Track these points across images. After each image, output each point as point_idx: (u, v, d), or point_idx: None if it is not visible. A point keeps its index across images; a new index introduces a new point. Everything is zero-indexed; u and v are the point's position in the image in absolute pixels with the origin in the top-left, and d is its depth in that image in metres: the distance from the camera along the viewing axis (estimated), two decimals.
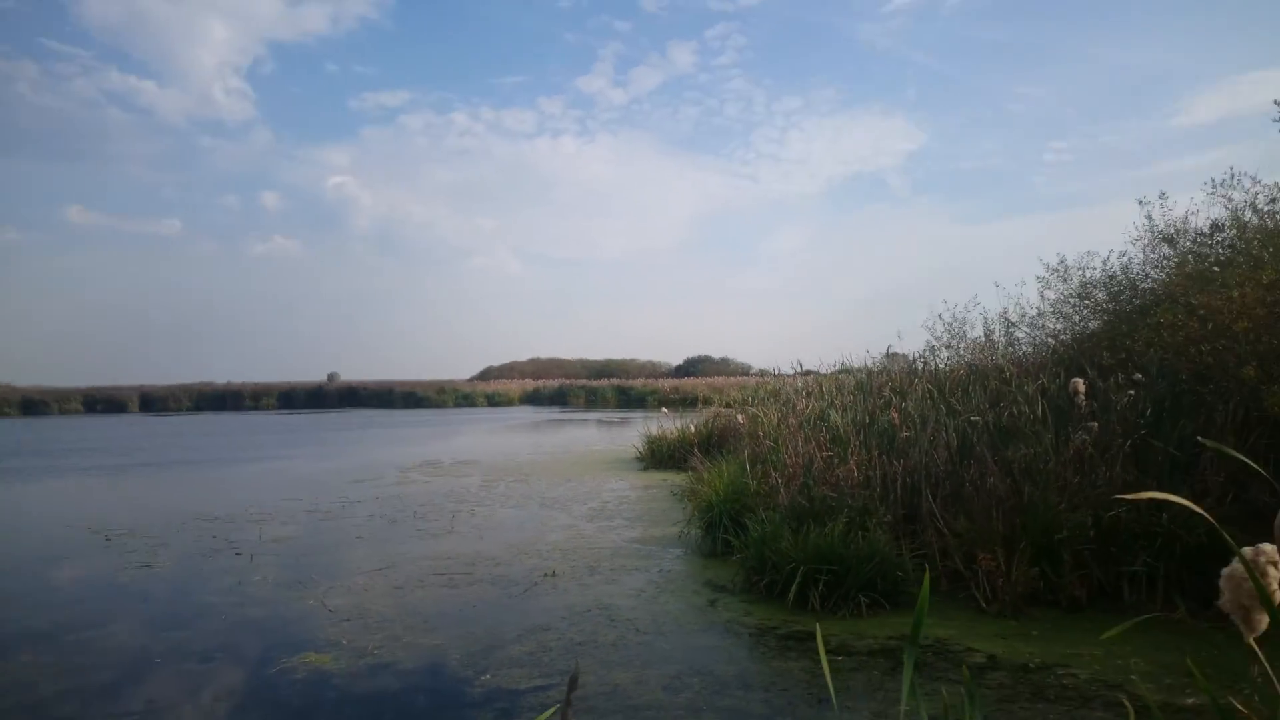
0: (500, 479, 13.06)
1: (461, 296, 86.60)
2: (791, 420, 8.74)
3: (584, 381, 56.47)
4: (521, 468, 14.75)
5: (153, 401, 50.21)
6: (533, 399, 53.28)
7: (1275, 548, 1.28)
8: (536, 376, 63.40)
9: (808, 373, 13.54)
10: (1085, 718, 3.52)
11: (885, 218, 76.04)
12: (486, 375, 69.90)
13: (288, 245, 77.08)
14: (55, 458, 18.78)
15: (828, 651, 4.52)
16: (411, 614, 5.57)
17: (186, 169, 71.92)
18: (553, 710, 3.02)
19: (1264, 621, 1.28)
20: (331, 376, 59.76)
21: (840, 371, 12.77)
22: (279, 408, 51.61)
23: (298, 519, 9.64)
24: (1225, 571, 1.34)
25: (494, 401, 51.69)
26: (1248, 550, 1.36)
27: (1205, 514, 1.39)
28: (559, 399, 52.21)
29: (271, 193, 76.15)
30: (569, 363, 74.02)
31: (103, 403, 48.27)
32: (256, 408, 51.13)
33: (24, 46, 63.34)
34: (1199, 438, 1.38)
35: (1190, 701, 3.52)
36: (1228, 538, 1.30)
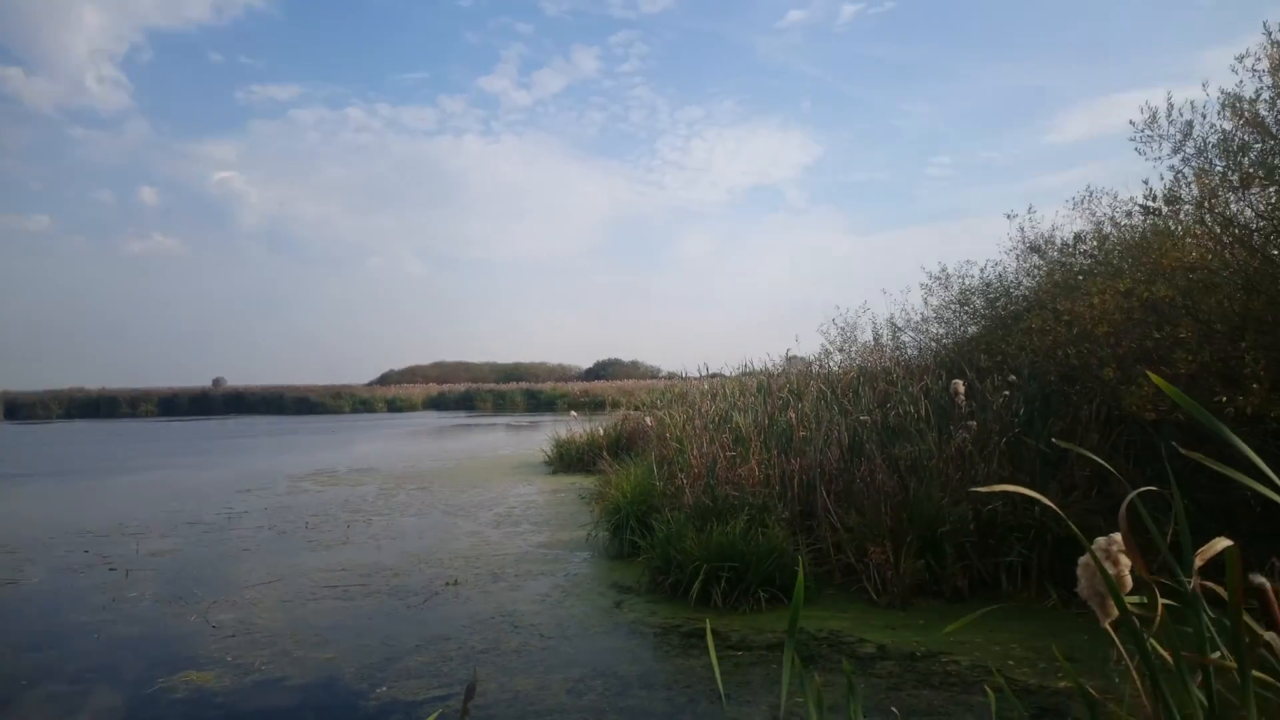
0: (400, 487, 12.64)
1: (359, 298, 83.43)
2: (697, 422, 8.89)
3: (492, 385, 55.44)
4: (423, 475, 14.33)
5: (18, 408, 45.92)
6: (437, 404, 51.79)
7: (1123, 538, 1.39)
8: (441, 380, 61.68)
9: (714, 375, 13.84)
10: (966, 702, 3.75)
11: (784, 227, 78.89)
12: (387, 380, 67.43)
13: (167, 243, 72.12)
14: None
15: (729, 647, 4.62)
16: (302, 628, 5.32)
17: (56, 161, 66.24)
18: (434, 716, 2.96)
19: (1115, 608, 1.39)
20: (217, 381, 56.31)
21: (744, 374, 13.11)
22: (159, 414, 48.09)
23: (179, 532, 9.03)
24: (1081, 560, 1.46)
25: (395, 407, 49.91)
26: (1101, 540, 1.49)
27: (1052, 504, 1.51)
28: (465, 403, 50.99)
29: (150, 188, 71.06)
30: (476, 366, 72.54)
31: None
32: (135, 415, 47.46)
33: None
34: (1053, 439, 1.49)
35: (1063, 685, 3.80)
36: (1076, 530, 1.41)
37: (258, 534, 8.79)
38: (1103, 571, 1.36)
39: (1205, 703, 1.28)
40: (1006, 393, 6.84)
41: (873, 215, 75.94)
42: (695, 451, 7.67)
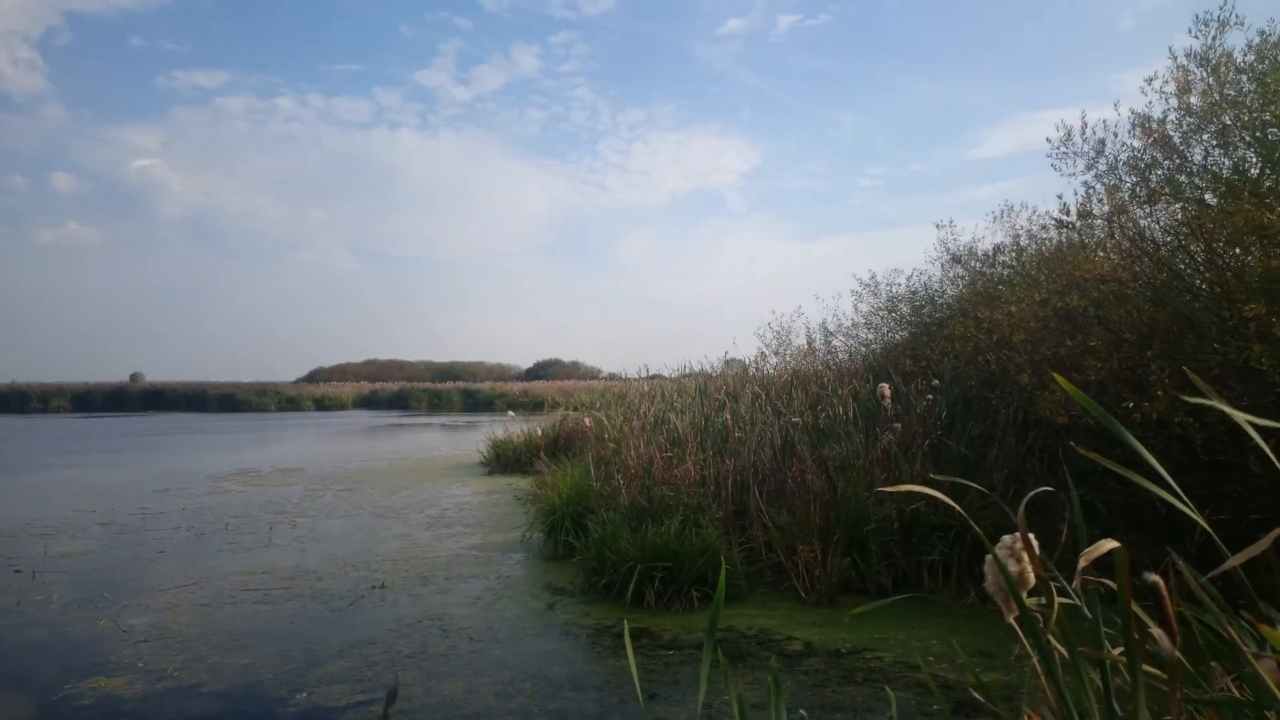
0: (327, 488, 12.24)
1: (287, 293, 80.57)
2: (635, 423, 8.90)
3: (427, 384, 54.24)
4: (352, 475, 13.91)
5: None
6: (369, 402, 50.33)
7: (1020, 536, 1.45)
8: (374, 379, 60.01)
9: (654, 377, 13.90)
10: (888, 698, 3.85)
11: (724, 232, 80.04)
12: (316, 377, 65.30)
13: (83, 232, 68.20)
14: None
15: (661, 646, 4.64)
16: (219, 632, 5.09)
17: None
18: None
19: (1015, 605, 1.45)
20: (135, 376, 53.53)
21: (684, 376, 13.21)
22: (73, 410, 45.34)
23: (91, 533, 8.54)
24: (987, 558, 1.52)
25: (324, 405, 48.24)
26: (1006, 539, 1.55)
27: (953, 503, 1.56)
28: (399, 402, 49.72)
29: (65, 174, 67.10)
30: (411, 365, 70.96)
31: None
32: (46, 410, 44.60)
33: None
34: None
35: (987, 679, 3.94)
36: (976, 528, 1.46)
37: (175, 535, 8.38)
38: (1003, 570, 1.42)
39: (1100, 693, 1.35)
40: (930, 397, 7.08)
41: (809, 222, 77.87)
42: (632, 452, 7.68)
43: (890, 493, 4.63)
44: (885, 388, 7.08)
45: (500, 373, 69.47)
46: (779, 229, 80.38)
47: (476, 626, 5.14)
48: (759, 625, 4.96)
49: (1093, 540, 1.37)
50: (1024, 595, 1.50)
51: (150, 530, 8.69)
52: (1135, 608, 1.54)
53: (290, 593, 6.05)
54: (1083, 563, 1.37)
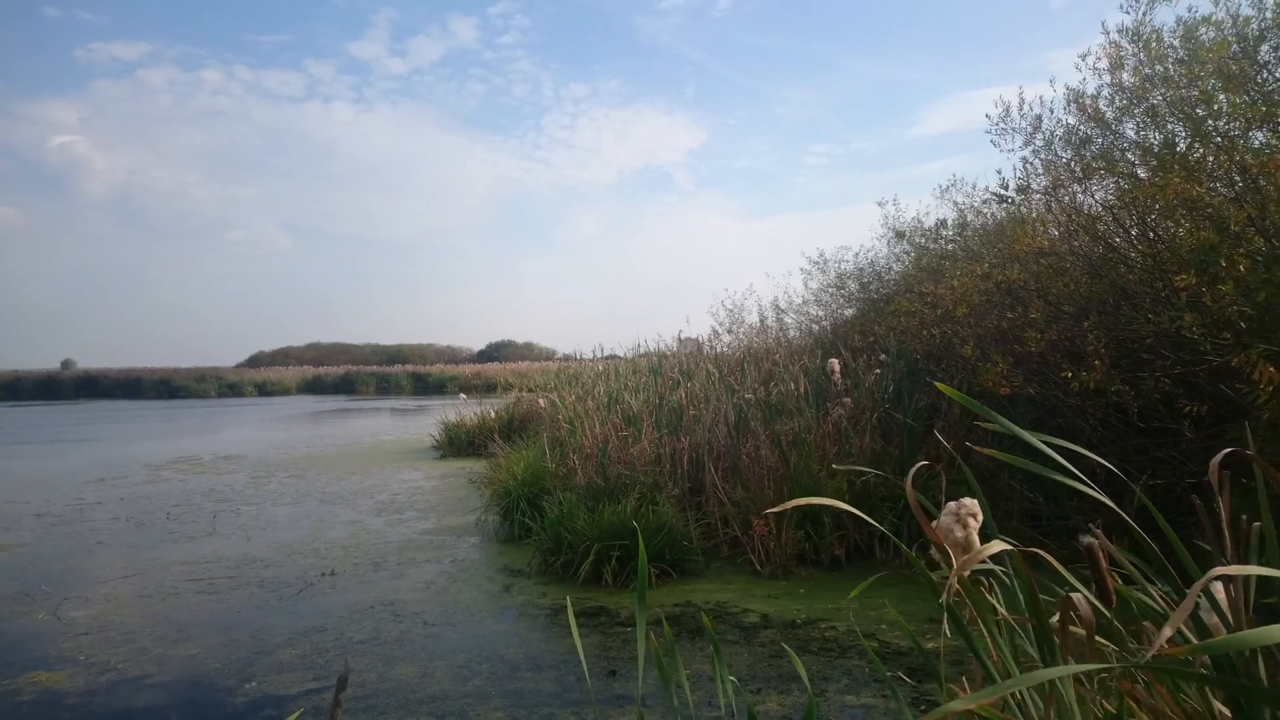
0: (272, 475, 11.90)
1: (222, 273, 77.70)
2: (590, 403, 8.86)
3: (375, 368, 53.14)
4: (298, 462, 13.56)
5: None
6: (313, 387, 49.01)
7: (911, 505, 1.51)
8: (318, 363, 58.51)
9: (610, 357, 13.85)
10: (843, 666, 3.94)
11: (673, 209, 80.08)
12: (257, 361, 63.38)
13: (4, 213, 64.46)
14: None
15: (619, 624, 4.65)
16: (163, 623, 4.92)
17: None
18: (296, 715, 2.81)
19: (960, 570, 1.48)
20: (66, 363, 51.16)
21: (639, 355, 13.21)
22: (2, 399, 43.05)
23: (24, 524, 8.16)
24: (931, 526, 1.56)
25: (266, 391, 46.84)
26: (951, 505, 1.58)
27: (848, 507, 1.58)
28: (345, 387, 48.55)
29: None
30: (357, 348, 69.43)
31: None
32: None
33: None
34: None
35: (930, 645, 4.05)
36: (916, 500, 1.48)
37: (113, 526, 8.05)
38: (942, 547, 1.44)
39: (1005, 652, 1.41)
40: (878, 371, 7.22)
41: (757, 200, 78.49)
42: (587, 432, 7.65)
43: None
44: (835, 363, 7.19)
45: (451, 355, 68.52)
46: (727, 207, 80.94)
47: (431, 610, 5.07)
48: (715, 599, 5.01)
49: (1032, 509, 1.41)
50: (968, 562, 1.54)
51: (87, 521, 8.33)
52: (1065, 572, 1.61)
53: (236, 582, 5.88)
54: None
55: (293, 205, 77.56)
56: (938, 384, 1.64)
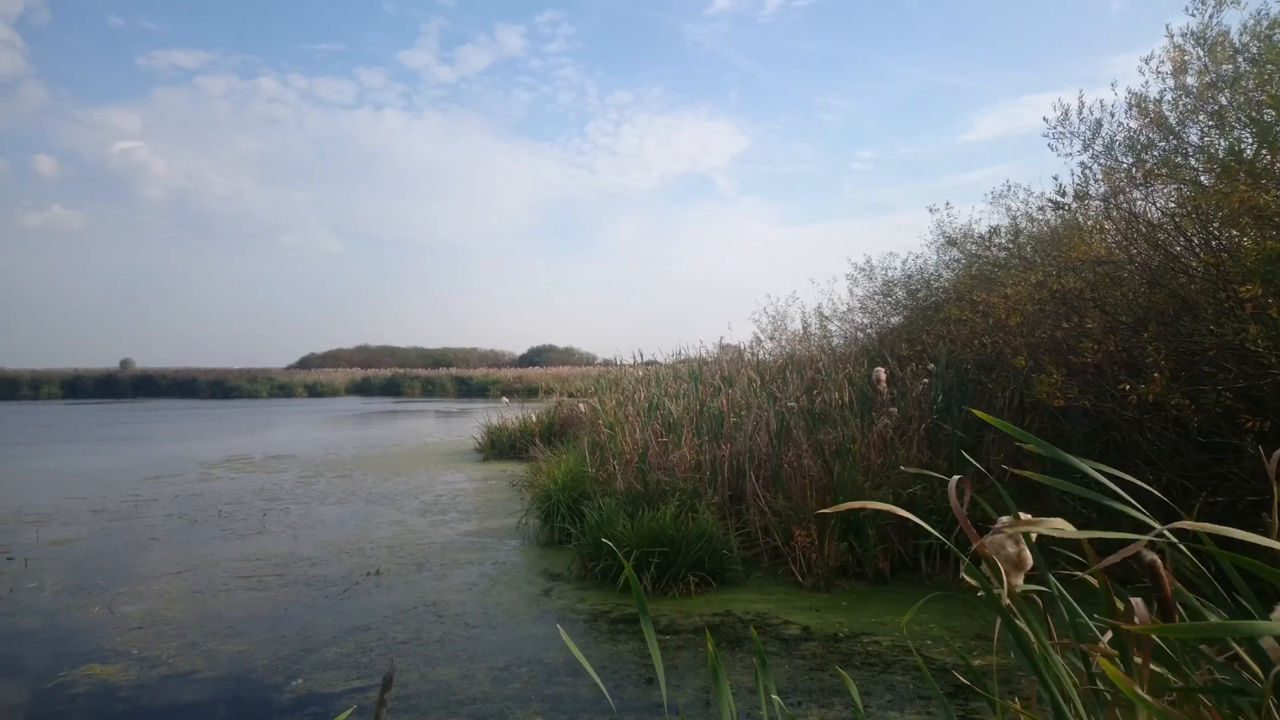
0: (320, 474, 12.19)
1: (274, 276, 79.89)
2: (630, 408, 8.88)
3: (420, 371, 54.09)
4: (345, 462, 13.86)
5: None
6: (361, 389, 50.14)
7: (1012, 520, 1.44)
8: (365, 365, 59.81)
9: (650, 362, 13.87)
10: (885, 681, 3.85)
11: (715, 215, 79.88)
12: (307, 363, 65.03)
13: (68, 216, 67.35)
14: None
15: (658, 631, 4.63)
16: (213, 619, 5.07)
17: None
18: (349, 712, 2.86)
19: (1011, 587, 1.44)
20: (125, 363, 53.18)
21: (679, 361, 13.19)
22: (63, 397, 44.98)
23: (82, 520, 8.49)
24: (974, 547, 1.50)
25: (316, 392, 48.07)
26: (1004, 519, 1.53)
27: (904, 511, 1.53)
28: (391, 389, 49.54)
29: (48, 157, 66.07)
30: (402, 351, 70.76)
31: None
32: (36, 397, 44.25)
33: None
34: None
35: (978, 663, 3.94)
36: (963, 517, 1.44)
37: (167, 522, 8.33)
38: (993, 562, 1.40)
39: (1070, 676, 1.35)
40: (925, 380, 7.07)
41: (800, 206, 77.72)
42: (627, 438, 7.66)
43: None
44: (880, 372, 7.07)
45: (494, 359, 69.40)
46: (770, 213, 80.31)
47: (472, 612, 5.13)
48: (756, 609, 4.96)
49: (1085, 523, 1.36)
50: (1018, 579, 1.49)
51: (142, 517, 8.63)
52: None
53: (284, 580, 6.02)
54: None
55: (343, 210, 79.64)
56: (976, 411, 1.59)
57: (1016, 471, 1.77)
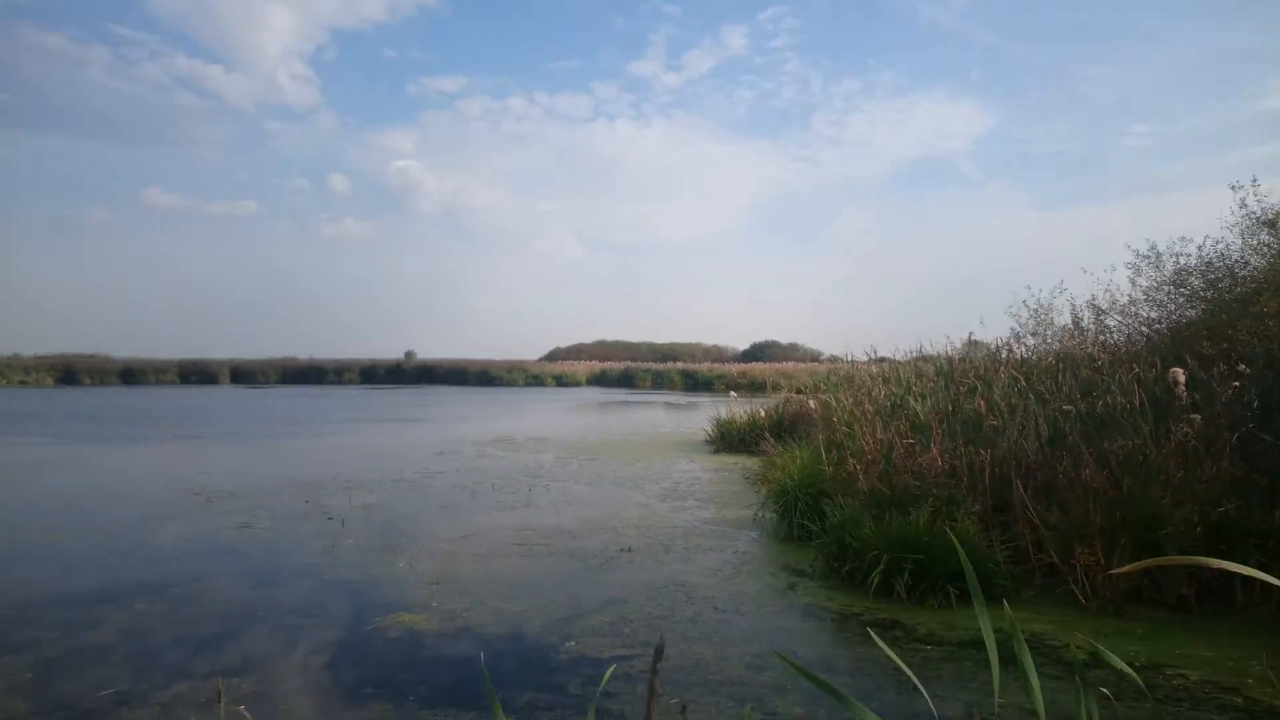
0: (572, 457, 13.27)
1: (527, 278, 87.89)
2: (867, 406, 8.56)
3: (650, 364, 56.68)
4: (592, 447, 14.95)
5: (242, 374, 52.77)
6: (599, 380, 53.88)
7: None
8: (603, 358, 63.95)
9: (882, 359, 13.24)
10: (1192, 718, 3.36)
11: (955, 202, 73.45)
12: (554, 356, 70.89)
13: (358, 227, 79.53)
14: (161, 425, 20.02)
15: (916, 640, 4.45)
16: (495, 581, 5.74)
17: (256, 152, 74.78)
18: (611, 671, 3.07)
19: None
20: (409, 354, 61.59)
21: (918, 359, 12.43)
22: (361, 383, 53.57)
23: (383, 487, 10.04)
24: None
25: (562, 382, 52.54)
26: None
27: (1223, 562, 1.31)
28: (625, 381, 52.57)
29: (339, 176, 78.55)
30: (635, 345, 74.37)
31: (197, 374, 50.92)
32: (340, 383, 53.20)
33: (94, 32, 66.54)
34: None
35: None
36: None
37: (451, 493, 9.59)
38: None
39: None
40: (1236, 384, 5.99)
41: (1059, 188, 68.66)
42: (868, 437, 7.40)
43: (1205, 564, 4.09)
44: (1178, 373, 6.13)
45: (717, 354, 70.42)
46: (1020, 197, 72.02)
47: (720, 597, 5.30)
48: (1030, 629, 4.55)
49: None
50: None
51: (431, 487, 10.02)
52: None
53: (550, 550, 6.66)
54: None
55: (583, 217, 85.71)
56: None
57: None
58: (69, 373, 46.62)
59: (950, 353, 11.48)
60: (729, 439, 14.57)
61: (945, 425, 7.29)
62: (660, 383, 50.89)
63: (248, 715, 3.45)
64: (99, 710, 3.56)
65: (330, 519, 7.99)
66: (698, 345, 73.50)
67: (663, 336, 74.53)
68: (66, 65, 64.40)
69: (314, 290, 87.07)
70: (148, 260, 78.76)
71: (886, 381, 10.24)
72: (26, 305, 70.74)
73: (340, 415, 23.91)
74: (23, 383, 44.32)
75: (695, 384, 48.80)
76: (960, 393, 8.19)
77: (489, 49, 73.16)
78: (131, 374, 48.78)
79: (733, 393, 24.82)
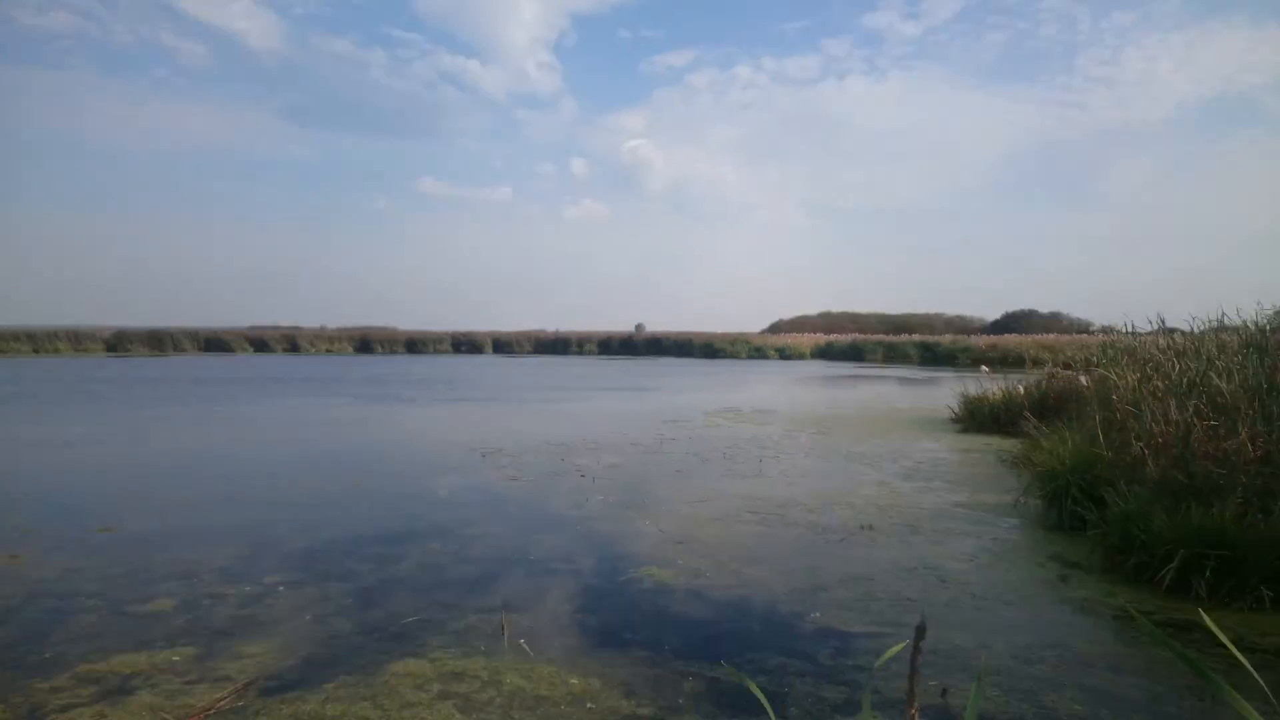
0: (800, 430, 13.13)
1: (749, 250, 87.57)
2: (1157, 383, 7.43)
3: (881, 336, 53.76)
4: (821, 420, 14.65)
5: (501, 345, 59.27)
6: (825, 353, 52.15)
7: None
8: (828, 331, 61.86)
9: (1171, 331, 11.35)
10: None
11: (1260, 146, 60.05)
12: (777, 328, 70.03)
13: (595, 207, 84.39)
14: (434, 388, 23.06)
15: (1217, 645, 3.85)
16: (733, 545, 5.91)
17: (509, 140, 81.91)
18: (900, 646, 3.03)
19: None
20: (639, 327, 64.55)
21: (1219, 329, 10.49)
22: (598, 354, 57.40)
23: (624, 450, 10.71)
24: None
25: (785, 355, 51.71)
26: None
27: None
28: (853, 354, 50.34)
29: (579, 159, 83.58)
30: (863, 317, 71.14)
31: (466, 345, 58.19)
32: (580, 353, 57.46)
33: (373, 35, 76.17)
34: None
35: None
36: None
37: (684, 459, 9.98)
38: None
39: None
40: None
41: None
42: (1159, 418, 6.43)
43: None
44: None
45: (960, 325, 65.05)
46: None
47: (978, 584, 4.98)
48: None
49: None
50: None
51: (665, 453, 10.49)
52: None
53: (784, 520, 6.69)
54: None
55: (809, 185, 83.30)
56: None
57: None
58: (364, 342, 55.65)
59: (1260, 321, 9.56)
60: (979, 418, 13.46)
61: (1258, 405, 6.13)
62: (894, 356, 48.08)
63: (528, 648, 3.92)
64: (407, 634, 4.15)
65: (582, 476, 8.68)
66: (937, 316, 68.48)
67: (897, 307, 70.47)
68: (353, 67, 75.09)
69: (558, 267, 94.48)
70: (422, 241, 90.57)
71: (1181, 355, 8.80)
72: (332, 285, 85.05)
73: (583, 384, 25.75)
74: (328, 350, 53.47)
75: (935, 358, 45.48)
76: (1277, 368, 6.81)
77: (717, 19, 73.07)
78: (414, 344, 56.77)
79: (984, 367, 22.81)
